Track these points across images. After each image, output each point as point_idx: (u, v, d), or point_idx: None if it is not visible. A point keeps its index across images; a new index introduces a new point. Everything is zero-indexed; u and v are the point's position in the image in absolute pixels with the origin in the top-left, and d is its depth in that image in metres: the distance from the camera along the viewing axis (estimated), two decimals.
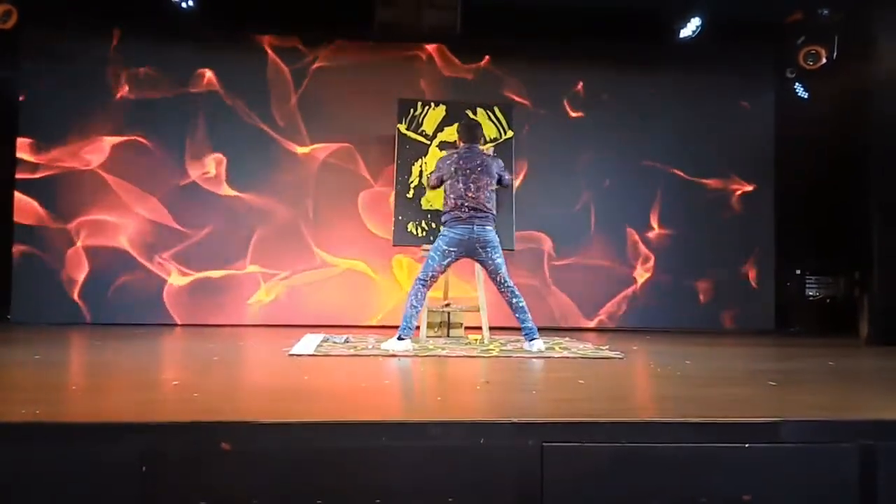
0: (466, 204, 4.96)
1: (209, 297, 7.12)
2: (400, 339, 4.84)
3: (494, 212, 5.10)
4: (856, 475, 2.43)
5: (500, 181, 5.18)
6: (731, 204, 7.73)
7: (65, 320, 6.79)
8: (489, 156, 5.29)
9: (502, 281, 4.98)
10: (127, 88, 7.07)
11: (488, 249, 4.95)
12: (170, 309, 7.07)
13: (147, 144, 7.09)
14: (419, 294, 4.93)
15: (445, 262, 4.98)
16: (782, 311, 7.63)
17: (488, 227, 4.99)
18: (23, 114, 6.95)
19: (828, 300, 7.24)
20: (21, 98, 6.93)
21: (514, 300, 4.97)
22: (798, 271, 7.37)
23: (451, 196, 5.02)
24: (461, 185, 4.98)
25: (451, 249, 4.95)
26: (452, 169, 5.04)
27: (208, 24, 7.00)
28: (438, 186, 5.23)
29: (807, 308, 7.35)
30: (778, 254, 7.70)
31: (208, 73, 7.19)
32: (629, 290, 7.59)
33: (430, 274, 4.95)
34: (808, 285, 7.33)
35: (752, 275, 7.70)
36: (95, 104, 7.04)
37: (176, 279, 7.08)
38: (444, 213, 5.10)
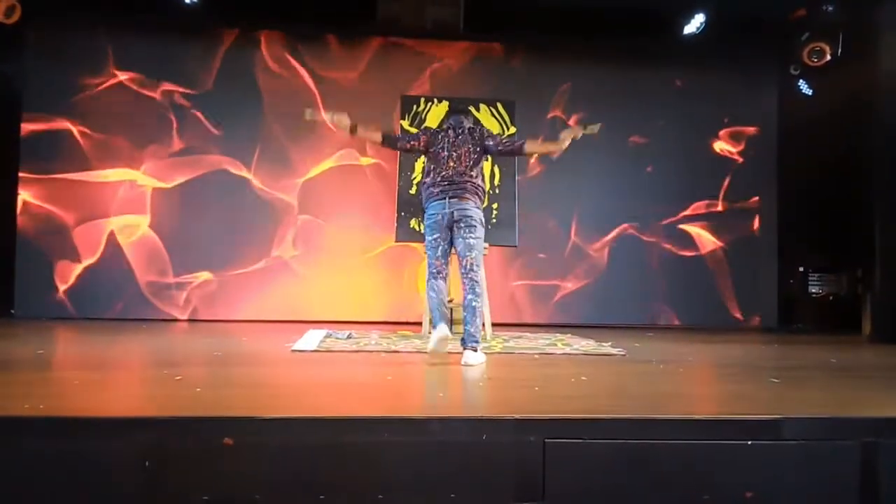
0: (444, 174, 4.31)
1: (211, 293, 7.13)
2: (435, 327, 4.24)
3: (481, 186, 4.39)
4: (857, 472, 2.44)
5: (494, 150, 4.44)
6: (735, 201, 7.71)
7: (68, 315, 6.80)
8: (476, 124, 4.69)
9: (469, 266, 4.23)
10: (129, 83, 7.07)
11: (462, 224, 4.24)
12: (173, 304, 7.08)
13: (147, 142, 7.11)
14: (433, 287, 4.33)
15: (440, 252, 4.32)
16: (785, 308, 7.62)
17: (468, 201, 4.28)
18: (26, 112, 6.93)
19: (830, 297, 7.23)
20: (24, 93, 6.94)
21: (471, 296, 4.22)
22: (801, 268, 7.36)
23: (430, 167, 4.41)
24: (445, 152, 4.34)
25: (436, 236, 4.31)
26: (438, 137, 4.42)
27: (208, 19, 7.01)
28: (405, 150, 4.61)
29: (810, 305, 7.35)
30: (781, 251, 7.69)
31: (210, 69, 7.18)
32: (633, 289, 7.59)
33: (434, 270, 4.34)
34: (810, 282, 7.31)
35: (755, 272, 7.68)
36: (100, 101, 7.03)
37: (180, 276, 7.08)
38: (420, 190, 4.54)
